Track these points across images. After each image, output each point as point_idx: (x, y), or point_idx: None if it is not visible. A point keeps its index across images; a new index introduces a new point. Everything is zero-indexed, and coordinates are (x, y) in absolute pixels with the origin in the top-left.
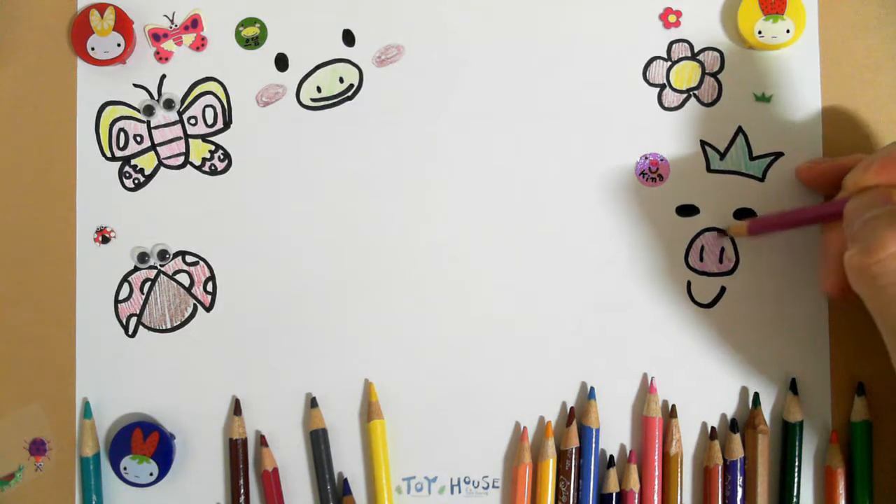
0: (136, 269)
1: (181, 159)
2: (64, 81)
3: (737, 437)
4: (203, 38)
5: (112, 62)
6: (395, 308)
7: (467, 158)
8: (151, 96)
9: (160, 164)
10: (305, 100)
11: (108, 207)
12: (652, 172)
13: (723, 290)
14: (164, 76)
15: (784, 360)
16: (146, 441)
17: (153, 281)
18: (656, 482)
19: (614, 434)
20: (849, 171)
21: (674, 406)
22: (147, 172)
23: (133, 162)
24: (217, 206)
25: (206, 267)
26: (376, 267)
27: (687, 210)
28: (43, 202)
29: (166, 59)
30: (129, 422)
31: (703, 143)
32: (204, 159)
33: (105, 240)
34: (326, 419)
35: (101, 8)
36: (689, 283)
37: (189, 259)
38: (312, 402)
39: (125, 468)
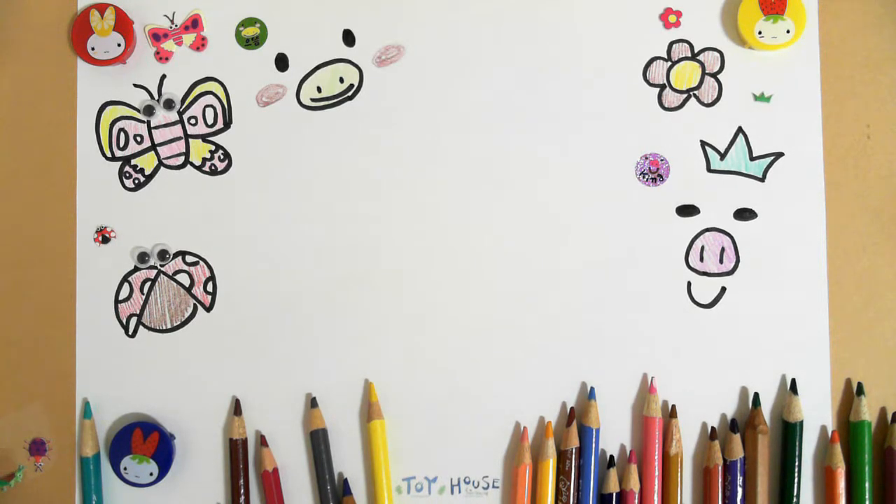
0: (136, 269)
1: (181, 159)
2: (64, 81)
3: (737, 437)
4: (203, 38)
5: (112, 62)
6: (395, 308)
7: (467, 158)
8: (151, 96)
9: (160, 164)
10: (305, 100)
11: (108, 207)
12: (652, 172)
13: (723, 290)
14: (164, 76)
15: (784, 360)
16: (146, 441)
17: (153, 281)
18: (656, 482)
19: (614, 434)
20: None
21: (674, 406)
22: (147, 172)
23: (133, 162)
24: (217, 206)
25: (206, 267)
26: (376, 267)
27: (687, 210)
28: (43, 202)
29: (166, 59)
30: (129, 422)
31: (703, 143)
32: (204, 159)
33: (105, 240)
34: (326, 419)
35: (101, 8)
36: (689, 283)
37: (189, 259)
38: (312, 402)
39: (125, 468)
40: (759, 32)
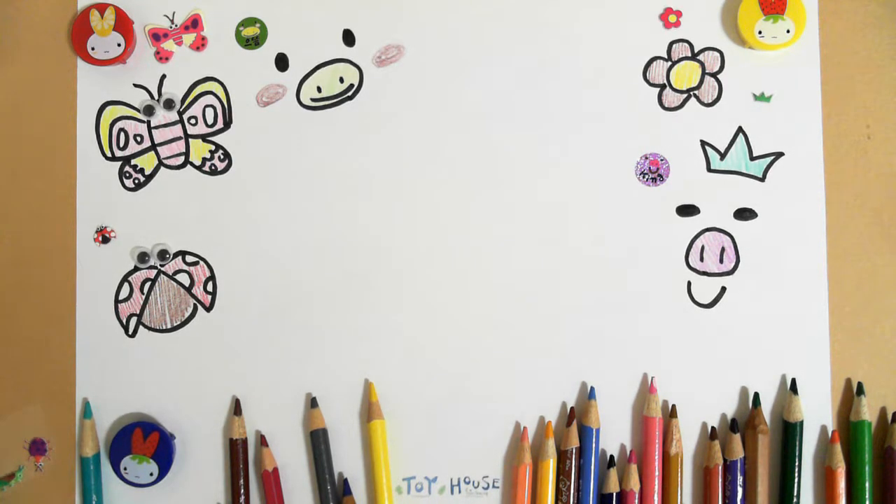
0: (136, 269)
1: (181, 159)
2: (64, 81)
3: (737, 437)
4: (203, 38)
5: (112, 62)
6: (394, 308)
7: (467, 158)
8: (151, 96)
9: (160, 164)
10: (305, 100)
11: (108, 207)
12: (652, 172)
13: (723, 290)
14: (164, 76)
15: (784, 360)
16: (146, 441)
17: (153, 281)
18: (656, 482)
19: (614, 434)
20: None
21: (674, 406)
22: (147, 172)
23: (133, 162)
24: (217, 206)
25: (206, 267)
26: (376, 267)
27: (687, 210)
28: (43, 202)
29: (166, 59)
30: (129, 422)
31: (703, 143)
32: (204, 159)
33: (105, 240)
34: (326, 419)
35: (101, 8)
36: (689, 283)
37: (189, 259)
38: (312, 402)
39: (125, 468)
40: (759, 32)
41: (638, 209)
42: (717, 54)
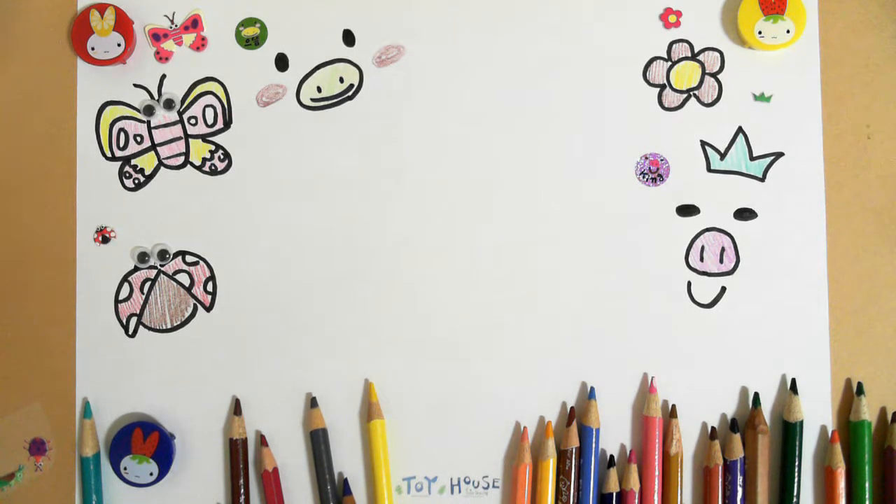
0: (136, 269)
1: (181, 159)
2: (64, 81)
3: (737, 437)
4: (203, 38)
5: (112, 62)
6: (395, 308)
7: (467, 158)
8: (151, 96)
9: (160, 164)
10: (305, 100)
11: (108, 207)
12: (652, 172)
13: (723, 290)
14: (164, 76)
15: (784, 360)
16: (146, 441)
17: (153, 281)
18: (656, 482)
19: (614, 434)
20: None
21: (674, 406)
22: (147, 172)
23: (133, 162)
24: (217, 206)
25: (206, 267)
26: (376, 267)
27: (687, 210)
28: (43, 202)
29: (166, 59)
30: (129, 422)
31: (703, 143)
32: (204, 159)
33: (105, 240)
34: (326, 419)
35: (101, 8)
36: (689, 283)
37: (189, 259)
38: (312, 402)
39: (125, 468)
40: (759, 32)
41: (638, 209)
42: (717, 54)
